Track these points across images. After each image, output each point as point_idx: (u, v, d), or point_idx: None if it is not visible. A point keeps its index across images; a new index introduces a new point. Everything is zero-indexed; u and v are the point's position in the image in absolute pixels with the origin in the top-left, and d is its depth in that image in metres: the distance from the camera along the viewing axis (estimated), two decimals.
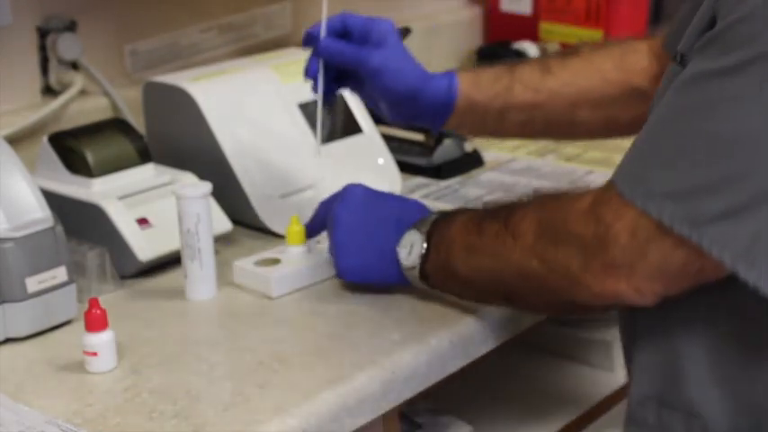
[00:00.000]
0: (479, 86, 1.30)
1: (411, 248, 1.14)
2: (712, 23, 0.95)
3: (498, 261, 1.06)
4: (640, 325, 1.06)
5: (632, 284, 0.96)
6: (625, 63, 1.31)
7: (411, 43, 1.81)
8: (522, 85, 1.30)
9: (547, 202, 1.05)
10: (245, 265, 1.24)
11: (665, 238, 0.93)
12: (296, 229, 1.25)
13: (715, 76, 0.92)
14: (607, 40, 2.00)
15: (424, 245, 1.14)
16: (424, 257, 1.14)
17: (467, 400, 1.50)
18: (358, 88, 1.29)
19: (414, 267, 1.15)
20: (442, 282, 1.14)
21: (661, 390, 1.04)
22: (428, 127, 1.33)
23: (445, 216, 1.15)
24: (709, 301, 1.00)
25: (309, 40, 1.25)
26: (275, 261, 1.24)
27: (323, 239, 1.28)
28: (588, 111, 1.31)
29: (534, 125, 1.32)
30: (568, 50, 1.35)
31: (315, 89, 1.25)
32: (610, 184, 0.98)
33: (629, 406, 1.08)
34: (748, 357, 0.99)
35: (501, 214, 1.08)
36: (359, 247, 1.18)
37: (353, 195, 1.20)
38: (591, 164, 1.59)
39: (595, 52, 1.33)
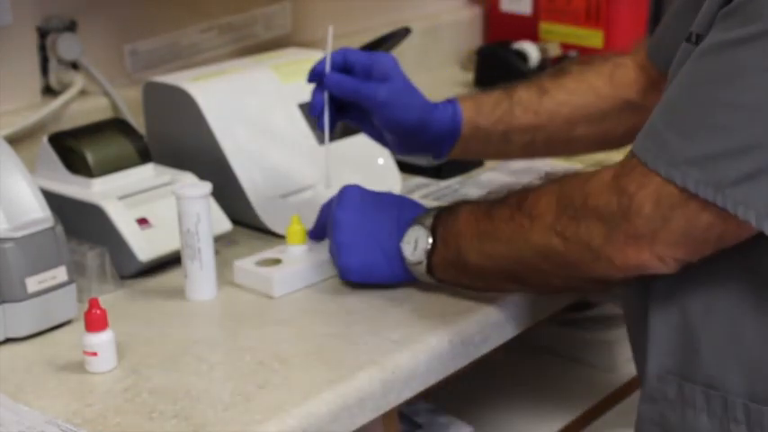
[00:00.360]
0: (482, 112, 1.33)
1: (416, 244, 1.16)
2: (728, 0, 0.98)
3: (515, 244, 1.08)
4: (654, 300, 1.07)
5: (655, 253, 0.99)
6: (615, 78, 1.34)
7: (411, 43, 1.81)
8: (522, 107, 1.33)
9: (565, 181, 1.07)
10: (245, 266, 1.24)
11: (688, 204, 0.96)
12: (296, 229, 1.25)
13: (735, 46, 0.94)
14: (606, 42, 2.00)
15: (430, 239, 1.15)
16: (431, 251, 1.15)
17: (467, 400, 1.50)
18: (360, 121, 1.30)
19: (420, 262, 1.16)
20: (451, 274, 1.15)
21: (680, 363, 1.06)
22: (434, 156, 1.34)
23: (447, 209, 1.16)
24: (723, 267, 1.02)
25: (315, 75, 1.26)
26: (276, 261, 1.24)
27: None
28: (585, 127, 1.35)
29: (535, 145, 1.36)
30: (559, 70, 1.39)
31: (320, 125, 1.26)
32: (630, 156, 1.00)
33: (645, 384, 1.09)
34: (762, 322, 1.01)
35: (510, 200, 1.10)
36: (361, 247, 1.18)
37: (351, 196, 1.21)
38: (590, 163, 1.59)
39: (586, 70, 1.37)
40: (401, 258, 1.17)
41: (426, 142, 1.30)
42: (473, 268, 1.13)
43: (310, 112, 1.26)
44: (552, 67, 1.90)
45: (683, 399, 1.06)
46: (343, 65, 1.25)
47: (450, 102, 1.32)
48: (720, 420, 1.04)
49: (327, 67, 1.24)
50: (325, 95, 1.24)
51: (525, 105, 1.33)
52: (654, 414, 1.09)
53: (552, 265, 1.06)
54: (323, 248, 1.25)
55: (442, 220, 1.15)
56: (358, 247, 1.18)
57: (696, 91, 0.97)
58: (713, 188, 0.94)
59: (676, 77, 1.01)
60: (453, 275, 1.15)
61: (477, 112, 1.32)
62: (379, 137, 1.31)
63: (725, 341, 1.03)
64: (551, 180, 1.09)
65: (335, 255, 1.20)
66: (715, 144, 0.94)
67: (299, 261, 1.24)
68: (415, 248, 1.16)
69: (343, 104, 1.27)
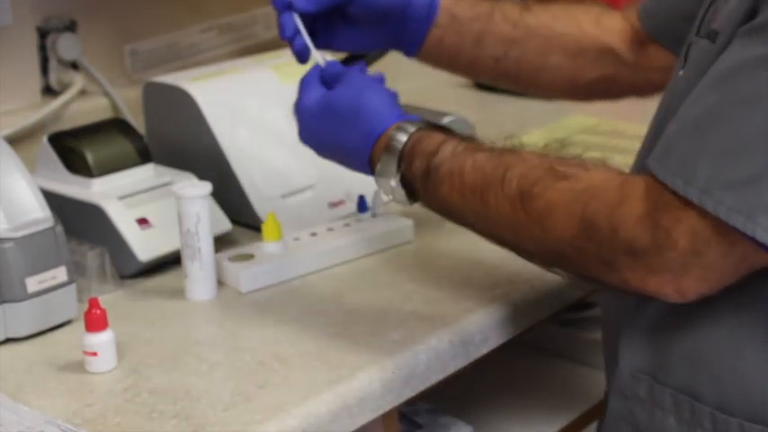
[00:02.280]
0: (460, 3, 1.29)
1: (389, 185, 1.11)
2: (754, 8, 0.93)
3: (518, 236, 1.03)
4: (632, 299, 1.05)
5: (678, 285, 0.94)
6: (601, 20, 1.31)
7: None
8: (502, 14, 1.30)
9: (580, 197, 0.98)
10: (219, 260, 1.24)
11: (724, 237, 0.91)
12: (272, 226, 1.26)
13: None
14: None
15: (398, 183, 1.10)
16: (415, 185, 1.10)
17: (467, 400, 1.50)
18: (329, 33, 1.26)
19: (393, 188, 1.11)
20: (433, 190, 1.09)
21: (652, 365, 1.05)
22: (405, 51, 1.30)
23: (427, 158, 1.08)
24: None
25: (280, 2, 1.21)
26: (249, 256, 1.25)
27: (302, 236, 1.28)
28: (559, 57, 1.31)
29: (507, 62, 1.31)
30: None
31: (297, 47, 1.21)
32: (660, 184, 0.93)
33: (617, 379, 1.08)
34: (735, 335, 0.99)
35: (508, 182, 1.02)
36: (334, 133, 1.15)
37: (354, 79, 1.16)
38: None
39: (573, 4, 1.33)
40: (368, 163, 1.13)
41: (400, 29, 1.27)
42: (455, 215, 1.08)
43: (281, 35, 1.21)
44: None
45: (652, 399, 1.05)
46: None
47: None
48: (688, 425, 1.02)
49: None
50: (295, 15, 1.20)
51: (506, 14, 1.30)
52: (624, 410, 1.08)
53: (553, 261, 1.03)
54: (296, 246, 1.26)
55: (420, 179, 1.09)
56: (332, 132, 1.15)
57: (728, 111, 0.91)
58: (746, 216, 0.89)
59: (698, 92, 0.94)
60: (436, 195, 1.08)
61: (455, 2, 1.29)
62: (348, 42, 1.27)
63: (697, 350, 1.01)
64: (558, 182, 0.99)
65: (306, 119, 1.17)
66: (750, 169, 0.88)
67: (270, 258, 1.24)
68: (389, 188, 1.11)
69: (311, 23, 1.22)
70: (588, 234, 0.96)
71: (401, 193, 1.10)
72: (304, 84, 1.19)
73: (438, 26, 1.28)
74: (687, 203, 0.91)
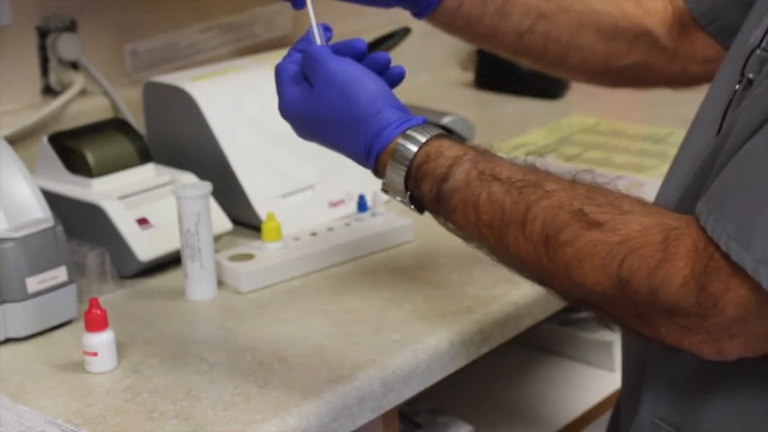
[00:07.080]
0: None
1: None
2: None
3: (543, 279, 0.92)
4: (661, 348, 0.94)
5: (718, 347, 0.86)
6: (642, 2, 1.21)
7: (411, 43, 1.81)
8: None
9: (615, 251, 0.86)
10: (219, 259, 1.24)
11: None
12: (272, 226, 1.26)
13: None
14: None
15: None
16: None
17: (467, 400, 1.50)
18: None
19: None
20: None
21: (678, 415, 0.96)
22: (415, 10, 1.16)
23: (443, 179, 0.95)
24: None
25: None
26: (249, 256, 1.25)
27: (302, 236, 1.28)
28: (593, 37, 1.19)
29: (532, 37, 1.18)
30: None
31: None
32: (711, 242, 0.83)
33: (638, 423, 0.99)
34: None
35: (532, 224, 0.90)
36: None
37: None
38: (590, 163, 1.59)
39: None
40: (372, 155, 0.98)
41: None
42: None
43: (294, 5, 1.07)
44: None
45: None
46: None
47: None
48: None
49: None
50: None
51: None
52: None
53: (581, 307, 0.94)
54: (296, 246, 1.26)
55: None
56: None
57: None
58: None
59: (758, 141, 0.83)
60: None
61: None
62: None
63: (734, 405, 0.92)
64: (584, 215, 0.88)
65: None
66: None
67: (270, 258, 1.25)
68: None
69: None
70: (624, 291, 0.86)
71: (411, 207, 0.99)
72: (281, 78, 1.03)
73: None
74: (739, 270, 0.81)
